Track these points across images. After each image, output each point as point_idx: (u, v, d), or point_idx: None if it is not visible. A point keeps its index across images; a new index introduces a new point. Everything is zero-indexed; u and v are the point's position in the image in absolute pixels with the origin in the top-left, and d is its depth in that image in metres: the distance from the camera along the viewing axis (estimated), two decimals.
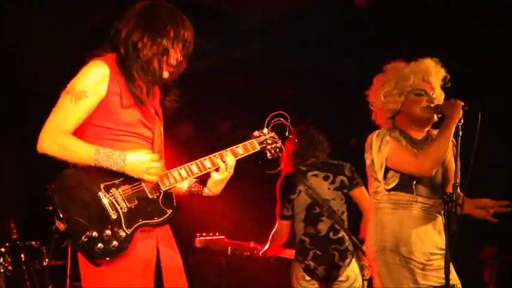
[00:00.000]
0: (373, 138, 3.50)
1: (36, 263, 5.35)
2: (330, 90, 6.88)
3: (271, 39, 6.67)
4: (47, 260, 5.35)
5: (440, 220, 3.52)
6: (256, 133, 2.97)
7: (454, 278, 3.43)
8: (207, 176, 2.85)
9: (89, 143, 2.61)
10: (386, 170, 3.45)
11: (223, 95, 7.10)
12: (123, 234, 2.57)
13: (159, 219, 2.68)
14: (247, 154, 2.89)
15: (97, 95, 2.64)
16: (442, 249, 3.42)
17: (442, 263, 3.33)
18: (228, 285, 6.65)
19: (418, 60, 3.57)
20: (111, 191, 2.60)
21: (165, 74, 2.76)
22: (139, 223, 2.62)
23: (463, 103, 3.33)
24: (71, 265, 5.30)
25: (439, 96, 3.56)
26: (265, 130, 2.98)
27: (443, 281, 3.34)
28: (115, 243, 2.55)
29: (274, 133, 2.99)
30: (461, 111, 3.30)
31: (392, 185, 3.45)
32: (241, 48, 6.70)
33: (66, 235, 2.55)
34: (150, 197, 2.67)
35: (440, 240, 3.46)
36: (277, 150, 2.98)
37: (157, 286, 2.68)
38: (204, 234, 5.13)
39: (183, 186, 2.90)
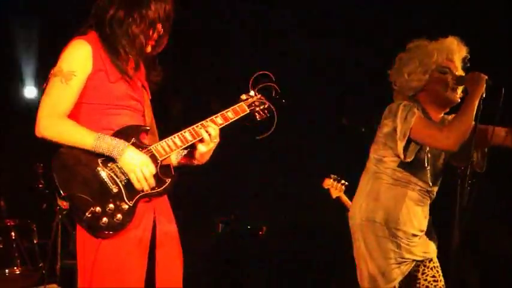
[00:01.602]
0: (400, 107, 3.41)
1: (27, 241, 5.34)
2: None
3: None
4: (37, 238, 5.35)
5: (428, 206, 3.53)
6: (243, 96, 2.96)
7: (432, 251, 3.50)
8: (193, 146, 2.85)
9: (84, 124, 2.64)
10: (408, 142, 3.39)
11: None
12: (126, 206, 2.60)
13: (159, 189, 2.71)
14: (237, 117, 2.89)
15: (84, 73, 2.67)
16: (423, 231, 3.49)
17: (423, 240, 3.47)
18: (219, 260, 6.68)
19: (441, 39, 3.52)
20: (108, 165, 2.62)
21: (148, 49, 2.79)
22: (141, 194, 2.65)
23: (487, 77, 3.29)
24: (61, 243, 5.28)
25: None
26: (252, 92, 2.97)
27: (426, 255, 3.48)
28: (119, 216, 2.58)
29: (260, 95, 2.98)
30: (485, 85, 3.27)
31: (408, 160, 3.40)
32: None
33: (70, 212, 2.55)
34: None
35: (424, 225, 3.50)
36: (266, 111, 2.97)
37: (151, 258, 2.70)
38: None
39: (173, 158, 2.92)
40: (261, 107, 2.97)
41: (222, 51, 6.98)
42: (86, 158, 2.59)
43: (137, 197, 2.64)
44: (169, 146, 2.74)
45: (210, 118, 2.83)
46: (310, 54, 6.78)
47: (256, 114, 2.97)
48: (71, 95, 2.64)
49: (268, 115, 2.98)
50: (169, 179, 2.75)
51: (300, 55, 6.84)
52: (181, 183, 2.83)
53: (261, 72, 2.96)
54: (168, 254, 2.75)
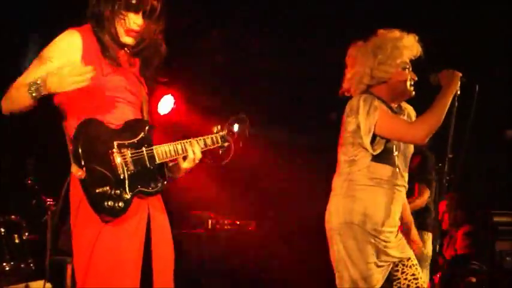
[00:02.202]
0: (360, 103, 3.41)
1: (16, 237, 5.32)
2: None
3: None
4: (26, 233, 5.33)
5: (403, 196, 3.55)
6: (215, 129, 3.03)
7: (408, 250, 3.53)
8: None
9: (78, 117, 2.68)
10: (373, 136, 3.39)
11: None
12: (127, 196, 2.65)
13: (153, 190, 2.75)
14: (212, 147, 2.96)
15: (62, 61, 2.66)
16: (397, 226, 3.51)
17: (397, 239, 3.49)
18: (208, 258, 6.69)
19: (405, 34, 3.53)
20: (122, 150, 2.67)
21: (127, 40, 2.79)
22: (138, 189, 2.70)
23: (461, 74, 3.33)
24: (50, 239, 5.27)
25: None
26: (224, 131, 3.04)
27: (403, 254, 3.50)
28: (121, 204, 2.62)
29: (225, 133, 3.04)
30: (459, 82, 3.31)
31: (378, 151, 3.41)
32: None
33: (82, 183, 2.59)
34: (148, 166, 2.75)
35: (397, 218, 3.52)
36: (224, 150, 3.04)
37: (145, 252, 2.73)
38: None
39: None
40: (225, 144, 3.03)
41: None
42: (104, 136, 2.65)
43: (135, 190, 2.67)
44: (169, 152, 2.81)
45: (195, 139, 2.91)
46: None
47: (220, 149, 3.02)
48: (37, 76, 2.63)
49: (227, 151, 3.05)
50: (163, 182, 2.80)
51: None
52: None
53: (237, 116, 3.08)
54: (162, 248, 2.79)
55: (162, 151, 2.79)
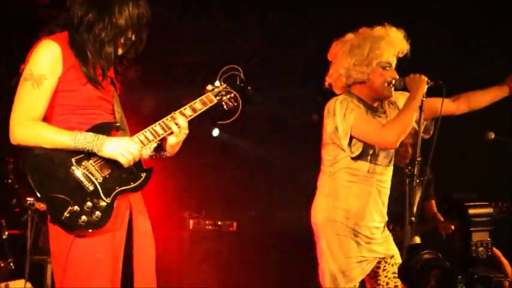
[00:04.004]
0: (337, 105, 3.45)
1: None
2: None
3: None
4: (6, 233, 5.31)
5: (386, 192, 3.57)
6: (209, 87, 2.97)
7: (393, 247, 3.56)
8: (163, 138, 2.86)
9: (54, 124, 2.64)
10: (350, 138, 3.43)
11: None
12: (104, 203, 2.60)
13: (136, 184, 2.72)
14: (205, 108, 2.89)
15: (55, 75, 2.64)
16: (383, 221, 3.55)
17: (383, 235, 3.53)
18: (191, 258, 6.69)
19: (390, 31, 3.52)
20: (82, 163, 2.61)
21: (120, 52, 2.77)
22: (117, 190, 2.65)
23: (427, 78, 3.36)
24: (30, 238, 5.25)
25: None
26: (217, 83, 2.98)
27: (385, 251, 3.53)
28: (98, 213, 2.57)
29: (226, 84, 2.98)
30: (426, 86, 3.34)
31: (357, 153, 3.46)
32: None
33: (48, 213, 2.54)
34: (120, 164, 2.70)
35: (384, 212, 3.56)
36: (233, 100, 2.99)
37: (127, 252, 2.72)
38: None
39: (144, 152, 2.90)
40: (228, 96, 2.98)
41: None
42: (59, 158, 2.58)
43: (114, 193, 2.64)
44: (141, 141, 2.73)
45: (178, 110, 2.83)
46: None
47: (224, 104, 2.97)
48: (43, 99, 2.62)
49: (235, 104, 2.99)
50: (145, 173, 2.75)
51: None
52: (151, 181, 2.86)
53: (229, 66, 2.99)
54: (142, 250, 2.77)
55: (138, 140, 2.73)
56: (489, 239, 3.81)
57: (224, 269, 6.84)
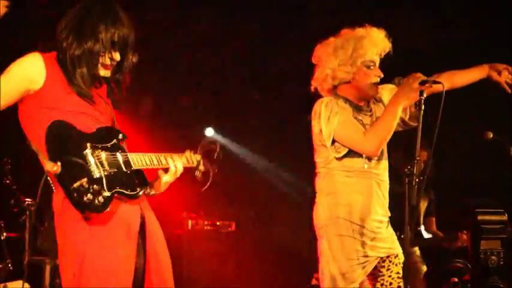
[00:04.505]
0: (322, 108, 3.47)
1: None
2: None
3: None
4: (4, 233, 5.31)
5: (385, 185, 3.57)
6: (187, 154, 3.07)
7: (397, 247, 3.53)
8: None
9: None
10: (333, 140, 3.46)
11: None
12: (106, 194, 2.61)
13: (131, 193, 2.73)
14: (187, 166, 3.01)
15: (22, 78, 2.66)
16: (387, 216, 3.54)
17: (387, 232, 3.51)
18: (189, 258, 6.69)
19: (371, 31, 3.54)
20: (96, 152, 2.65)
21: (104, 73, 2.79)
22: (117, 189, 2.66)
23: (419, 86, 3.30)
24: (28, 239, 5.25)
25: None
26: (197, 155, 3.09)
27: (389, 250, 3.50)
28: (101, 199, 2.58)
29: (203, 159, 3.11)
30: (415, 94, 3.30)
31: (343, 152, 3.46)
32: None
33: (58, 178, 2.55)
34: (124, 169, 2.73)
35: (386, 205, 3.55)
36: (199, 174, 3.10)
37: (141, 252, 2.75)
38: None
39: None
40: (200, 169, 3.09)
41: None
42: (76, 137, 2.62)
43: (114, 190, 2.65)
44: (144, 161, 2.80)
45: (175, 154, 2.94)
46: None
47: (196, 173, 3.08)
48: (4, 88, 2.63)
49: (203, 178, 3.12)
50: (141, 188, 2.78)
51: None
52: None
53: (209, 141, 3.17)
54: (158, 249, 2.81)
55: (137, 158, 2.78)
56: (501, 248, 3.74)
57: (223, 269, 6.84)
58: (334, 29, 3.64)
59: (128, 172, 2.74)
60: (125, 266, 2.65)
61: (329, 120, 3.43)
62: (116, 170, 2.68)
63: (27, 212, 5.25)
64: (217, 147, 3.14)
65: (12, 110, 2.74)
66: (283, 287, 6.77)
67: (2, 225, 5.35)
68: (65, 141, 2.60)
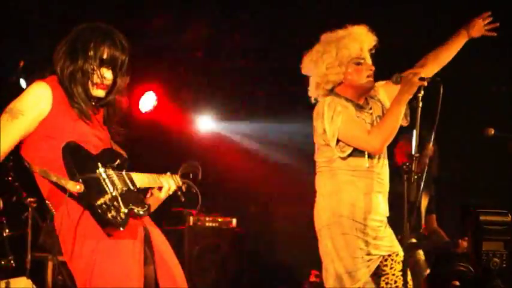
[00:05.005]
0: (325, 108, 3.47)
1: None
2: None
3: None
4: (7, 230, 5.32)
5: (385, 184, 3.58)
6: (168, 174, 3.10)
7: (397, 245, 3.55)
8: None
9: (50, 156, 2.68)
10: (338, 139, 3.47)
11: None
12: (124, 211, 2.65)
13: (142, 210, 2.77)
14: (172, 188, 3.05)
15: (34, 113, 2.70)
16: (385, 215, 3.55)
17: (387, 231, 3.53)
18: (190, 254, 6.70)
19: (350, 29, 3.56)
20: (108, 171, 2.69)
21: (98, 93, 2.81)
22: (131, 206, 2.71)
23: (418, 81, 3.31)
24: (31, 236, 5.28)
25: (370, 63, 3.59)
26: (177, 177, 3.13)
27: (390, 249, 3.52)
28: (122, 215, 2.63)
29: (185, 183, 3.15)
30: (415, 87, 3.32)
31: (348, 152, 3.47)
32: None
33: (82, 196, 2.58)
34: (132, 188, 2.78)
35: (386, 208, 3.56)
36: (181, 195, 3.13)
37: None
38: None
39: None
40: (182, 192, 3.13)
41: None
42: (86, 157, 2.67)
43: (129, 207, 2.69)
44: (147, 179, 2.88)
45: (165, 174, 3.03)
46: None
47: (179, 194, 3.11)
48: (12, 133, 2.68)
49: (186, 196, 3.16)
50: (148, 205, 2.83)
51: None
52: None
53: (190, 164, 3.22)
54: (165, 253, 2.84)
55: (139, 178, 2.84)
56: (504, 250, 3.68)
57: (224, 266, 6.86)
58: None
59: (135, 190, 2.79)
60: (134, 273, 2.68)
61: (333, 120, 3.44)
62: (125, 188, 2.73)
63: (29, 209, 5.27)
64: (199, 170, 3.21)
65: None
66: (283, 283, 6.78)
67: (5, 222, 5.37)
68: (79, 161, 2.63)
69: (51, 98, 2.72)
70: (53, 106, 2.72)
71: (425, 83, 3.32)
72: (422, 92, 3.31)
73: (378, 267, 3.49)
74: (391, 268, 3.51)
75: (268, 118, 7.49)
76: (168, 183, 3.00)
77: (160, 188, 2.99)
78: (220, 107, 7.58)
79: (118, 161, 2.78)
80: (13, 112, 2.68)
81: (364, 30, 3.56)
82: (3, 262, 5.22)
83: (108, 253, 2.63)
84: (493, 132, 4.20)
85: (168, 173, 3.05)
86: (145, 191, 2.98)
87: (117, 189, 2.67)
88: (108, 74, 2.78)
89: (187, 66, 7.24)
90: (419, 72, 3.37)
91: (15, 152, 2.74)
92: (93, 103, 2.82)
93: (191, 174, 3.20)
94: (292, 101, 6.37)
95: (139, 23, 6.23)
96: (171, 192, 3.02)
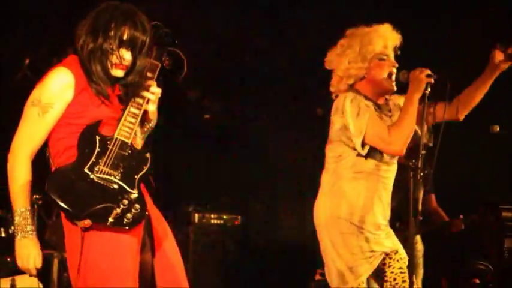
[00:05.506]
0: (346, 103, 3.45)
1: (2, 231, 5.33)
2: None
3: None
4: (12, 227, 5.33)
5: (390, 189, 3.57)
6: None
7: (396, 243, 3.56)
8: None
9: (68, 140, 2.73)
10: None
11: None
12: (135, 195, 2.66)
13: (147, 166, 2.77)
14: (156, 75, 2.93)
15: (62, 102, 2.74)
16: (387, 219, 3.56)
17: (386, 231, 3.54)
18: (195, 252, 6.71)
19: (376, 26, 3.57)
20: (95, 168, 2.67)
21: (117, 73, 2.82)
22: (137, 178, 2.72)
23: (426, 78, 3.33)
24: (37, 233, 5.28)
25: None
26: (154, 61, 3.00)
27: (392, 245, 3.52)
28: (136, 206, 2.64)
29: (156, 46, 3.00)
30: (424, 84, 3.32)
31: (367, 150, 3.46)
32: None
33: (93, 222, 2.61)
34: (126, 154, 2.75)
35: (387, 212, 3.56)
36: (168, 56, 3.03)
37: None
38: None
39: (138, 140, 2.97)
40: (165, 55, 3.01)
41: None
42: (74, 174, 2.64)
43: (136, 182, 2.69)
44: (128, 126, 2.79)
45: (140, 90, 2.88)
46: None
47: (166, 64, 3.02)
48: (45, 128, 2.73)
49: (172, 58, 3.04)
50: (148, 153, 2.81)
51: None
52: (155, 174, 2.90)
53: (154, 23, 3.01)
54: (166, 242, 2.87)
55: (125, 128, 2.78)
56: None
57: (229, 263, 6.86)
58: None
59: (130, 152, 2.74)
60: (129, 259, 2.68)
61: (359, 116, 3.41)
62: (122, 165, 2.70)
63: (35, 206, 5.28)
64: (161, 27, 3.00)
65: (16, 107, 2.78)
66: (288, 282, 6.78)
67: (10, 219, 5.38)
68: (71, 188, 2.62)
69: (74, 84, 2.74)
70: (76, 92, 2.74)
71: (433, 80, 3.33)
72: (429, 89, 3.31)
73: (377, 266, 3.49)
74: (388, 266, 3.52)
75: None
76: (152, 94, 2.85)
77: (148, 102, 2.86)
78: None
79: (97, 136, 2.73)
80: (42, 105, 2.70)
81: (389, 28, 3.56)
82: (9, 259, 5.24)
83: (103, 244, 2.64)
84: (498, 129, 4.20)
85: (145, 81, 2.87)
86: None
87: (115, 180, 2.66)
88: (127, 55, 2.79)
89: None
90: (425, 70, 3.37)
91: None
92: (112, 83, 2.83)
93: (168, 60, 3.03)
94: None
95: None
96: (159, 95, 2.89)
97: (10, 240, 5.31)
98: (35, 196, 5.25)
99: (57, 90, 2.71)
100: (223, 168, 7.37)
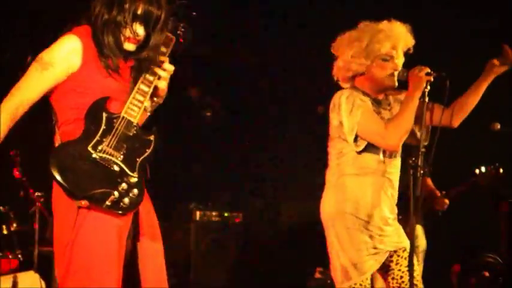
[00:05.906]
0: (342, 100, 3.46)
1: (4, 228, 5.35)
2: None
3: None
4: (14, 225, 5.36)
5: (395, 184, 3.57)
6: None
7: (404, 240, 3.52)
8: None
9: (76, 108, 2.70)
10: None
11: None
12: (134, 179, 2.65)
13: (150, 149, 2.76)
14: (170, 48, 2.89)
15: (64, 66, 2.71)
16: (394, 213, 3.53)
17: (394, 226, 3.51)
18: (196, 249, 6.72)
19: (391, 24, 3.53)
20: (99, 148, 2.66)
21: (129, 46, 2.80)
22: (138, 162, 2.70)
23: (425, 77, 3.32)
24: (38, 230, 5.30)
25: (400, 63, 3.55)
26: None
27: (397, 244, 3.49)
28: (134, 191, 2.63)
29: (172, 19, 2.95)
30: (424, 82, 3.32)
31: (362, 146, 3.46)
32: None
33: (91, 203, 2.60)
34: (131, 134, 2.74)
35: (394, 204, 3.55)
36: (182, 29, 2.98)
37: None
38: None
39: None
40: (180, 28, 2.97)
41: None
42: (77, 151, 2.62)
43: (137, 165, 2.69)
44: (136, 105, 2.76)
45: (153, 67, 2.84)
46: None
47: (180, 37, 2.97)
48: (39, 85, 2.70)
49: (184, 30, 2.99)
50: (152, 136, 2.78)
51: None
52: (156, 172, 2.89)
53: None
54: (149, 247, 2.79)
55: (132, 107, 2.76)
56: None
57: (230, 260, 6.87)
58: None
59: (134, 133, 2.73)
60: (116, 243, 2.65)
61: (351, 113, 3.42)
62: (125, 146, 2.68)
63: (37, 203, 5.30)
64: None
65: None
66: (288, 279, 6.79)
67: (12, 216, 5.40)
68: (74, 167, 2.60)
69: (82, 52, 2.73)
70: (83, 61, 2.73)
71: (432, 78, 3.32)
72: (428, 87, 3.31)
73: (384, 262, 3.48)
74: (396, 264, 3.49)
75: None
76: (164, 71, 2.82)
77: (159, 78, 2.82)
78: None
79: (104, 113, 2.71)
80: (43, 62, 2.69)
81: (404, 29, 3.52)
82: (10, 256, 5.26)
83: (95, 225, 2.61)
84: (499, 127, 4.20)
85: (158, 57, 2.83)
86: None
87: (117, 162, 2.64)
88: (140, 29, 2.77)
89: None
90: (425, 67, 3.37)
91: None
92: (124, 57, 2.81)
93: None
94: None
95: None
96: (171, 73, 2.86)
97: (12, 237, 5.34)
98: (37, 194, 5.29)
99: (61, 52, 2.70)
100: (224, 166, 7.38)
